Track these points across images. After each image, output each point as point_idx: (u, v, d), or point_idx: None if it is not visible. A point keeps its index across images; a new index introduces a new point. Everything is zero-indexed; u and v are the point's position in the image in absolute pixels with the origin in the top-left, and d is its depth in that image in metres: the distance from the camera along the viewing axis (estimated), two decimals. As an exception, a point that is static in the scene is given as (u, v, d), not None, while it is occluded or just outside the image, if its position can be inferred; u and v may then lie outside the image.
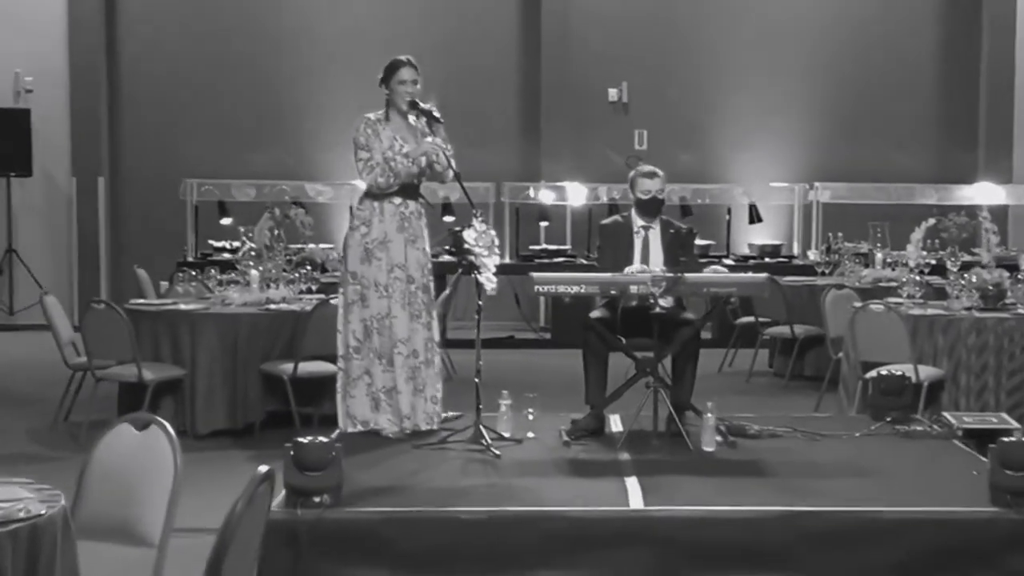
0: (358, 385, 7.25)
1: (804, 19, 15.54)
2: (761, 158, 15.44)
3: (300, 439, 5.44)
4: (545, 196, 14.88)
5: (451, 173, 7.27)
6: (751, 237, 14.73)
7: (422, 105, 7.25)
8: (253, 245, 9.60)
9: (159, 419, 4.11)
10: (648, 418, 7.20)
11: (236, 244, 11.59)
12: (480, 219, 6.95)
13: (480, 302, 7.01)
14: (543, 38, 15.39)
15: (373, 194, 7.23)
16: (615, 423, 7.62)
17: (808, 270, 12.67)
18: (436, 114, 7.25)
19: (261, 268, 9.47)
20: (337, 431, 7.19)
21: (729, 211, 14.77)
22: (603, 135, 15.49)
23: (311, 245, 11.29)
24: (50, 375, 10.06)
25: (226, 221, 14.05)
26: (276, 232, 10.00)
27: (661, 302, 7.19)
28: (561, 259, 14.02)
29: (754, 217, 14.49)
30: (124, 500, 4.06)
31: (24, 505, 3.64)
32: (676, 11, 15.55)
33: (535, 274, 7.01)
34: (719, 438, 7.07)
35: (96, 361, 8.59)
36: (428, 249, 7.38)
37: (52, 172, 15.44)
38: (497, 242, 6.92)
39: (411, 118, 7.33)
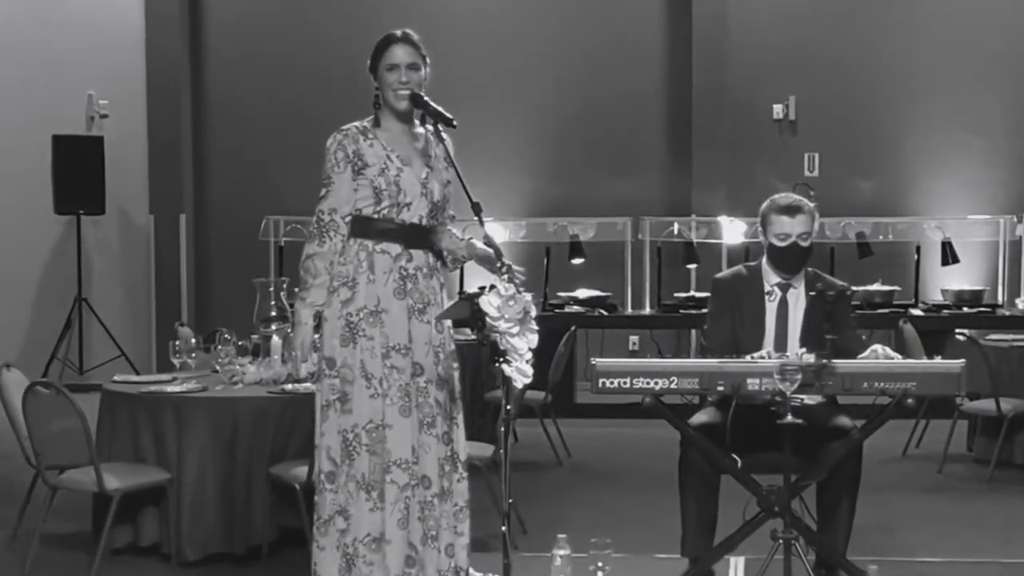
0: (328, 531, 4.89)
1: (1008, 19, 13.31)
2: (958, 186, 13.36)
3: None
4: (694, 233, 12.60)
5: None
6: (945, 281, 12.53)
7: (429, 102, 4.91)
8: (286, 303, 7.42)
9: None
10: (777, 580, 4.76)
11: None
12: (506, 276, 4.42)
13: (508, 406, 4.52)
14: (694, 45, 13.41)
15: (360, 240, 4.92)
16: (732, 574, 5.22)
17: (1017, 323, 10.66)
18: (447, 115, 4.90)
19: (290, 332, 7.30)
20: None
21: (918, 250, 12.52)
22: (766, 160, 13.45)
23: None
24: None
25: (314, 265, 12.02)
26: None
27: (797, 401, 4.71)
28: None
29: (949, 257, 12.26)
30: None
31: None
32: (853, 10, 13.47)
33: (597, 360, 4.62)
34: (888, 617, 4.64)
35: (51, 462, 6.44)
36: (448, 323, 5.00)
37: (127, 209, 13.68)
38: (533, 311, 4.42)
39: (417, 123, 5.03)
